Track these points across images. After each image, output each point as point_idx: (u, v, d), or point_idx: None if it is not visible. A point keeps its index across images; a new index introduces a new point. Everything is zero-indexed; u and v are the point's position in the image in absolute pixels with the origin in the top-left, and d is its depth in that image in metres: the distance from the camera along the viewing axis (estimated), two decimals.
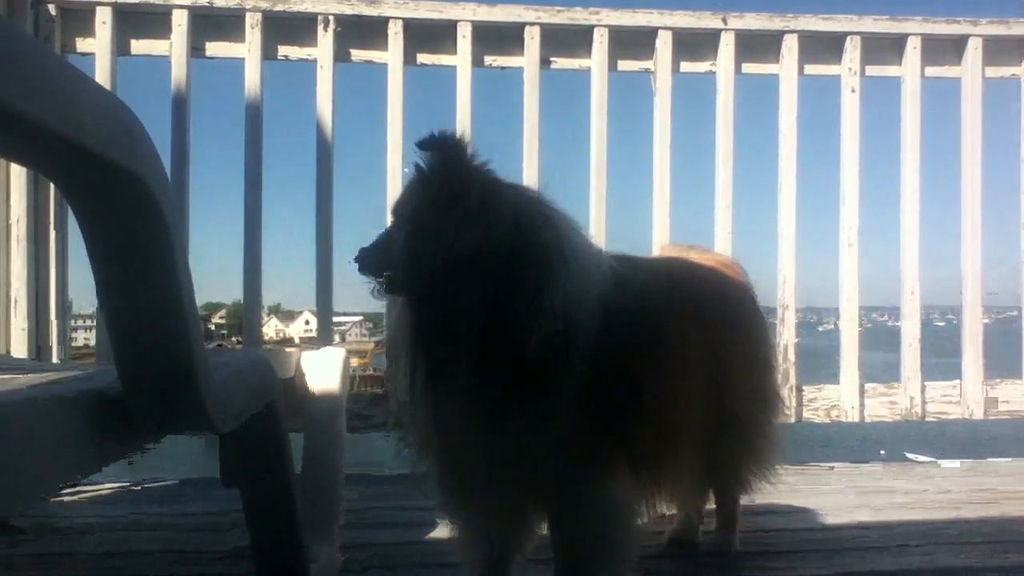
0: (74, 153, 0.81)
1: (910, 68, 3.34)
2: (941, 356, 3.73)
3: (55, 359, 2.97)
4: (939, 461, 3.29)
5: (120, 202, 0.88)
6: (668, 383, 1.71)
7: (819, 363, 4.07)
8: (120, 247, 0.91)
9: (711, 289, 1.99)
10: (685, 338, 1.78)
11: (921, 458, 3.35)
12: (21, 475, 0.83)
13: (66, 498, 2.67)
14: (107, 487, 2.81)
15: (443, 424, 1.55)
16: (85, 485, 2.78)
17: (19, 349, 2.90)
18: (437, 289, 1.47)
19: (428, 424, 1.58)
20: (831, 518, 2.45)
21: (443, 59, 3.20)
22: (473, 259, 1.46)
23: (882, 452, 3.15)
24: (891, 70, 3.39)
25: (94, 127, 0.83)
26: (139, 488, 2.84)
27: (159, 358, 0.94)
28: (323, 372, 1.96)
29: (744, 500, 2.17)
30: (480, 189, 1.53)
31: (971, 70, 3.35)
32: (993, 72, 3.40)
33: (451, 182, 1.54)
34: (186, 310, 0.92)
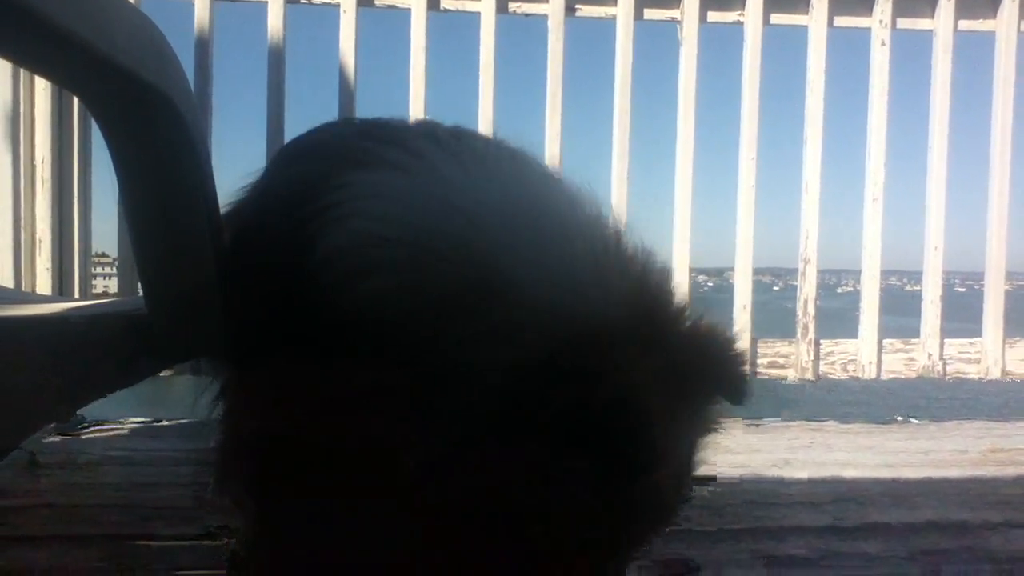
0: (105, 68, 0.81)
1: (943, 21, 3.26)
2: (960, 321, 3.70)
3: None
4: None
5: (148, 120, 0.88)
6: None
7: (837, 325, 4.05)
8: (147, 166, 0.91)
9: None
10: None
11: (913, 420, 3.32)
12: (51, 392, 0.85)
13: (87, 435, 2.71)
14: (128, 424, 2.85)
15: None
16: (106, 424, 2.82)
17: (44, 288, 2.94)
18: None
19: None
20: (844, 472, 2.45)
21: (467, 5, 3.16)
22: None
23: (899, 418, 3.13)
24: (923, 23, 3.31)
25: (125, 43, 0.83)
26: (160, 424, 2.88)
27: (186, 278, 0.95)
28: None
29: (759, 456, 2.15)
30: None
31: (1007, 23, 3.27)
32: None
33: None
34: (214, 229, 0.92)
